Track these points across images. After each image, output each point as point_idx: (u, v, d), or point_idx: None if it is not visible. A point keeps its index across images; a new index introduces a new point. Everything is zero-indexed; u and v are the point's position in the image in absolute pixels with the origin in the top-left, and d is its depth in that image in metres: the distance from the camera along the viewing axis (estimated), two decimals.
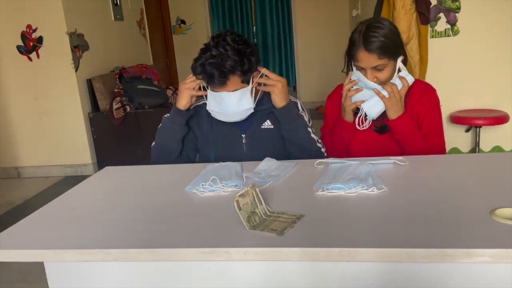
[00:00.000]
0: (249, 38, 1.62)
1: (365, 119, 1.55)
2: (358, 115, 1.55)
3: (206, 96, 1.51)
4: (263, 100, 1.60)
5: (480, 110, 3.29)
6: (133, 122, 4.09)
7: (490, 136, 3.36)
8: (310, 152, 1.53)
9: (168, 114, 1.61)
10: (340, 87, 1.67)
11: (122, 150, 4.20)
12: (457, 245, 0.81)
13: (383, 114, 1.55)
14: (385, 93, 1.48)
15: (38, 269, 2.43)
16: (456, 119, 3.19)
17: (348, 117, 1.57)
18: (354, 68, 1.53)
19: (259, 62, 1.50)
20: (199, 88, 1.52)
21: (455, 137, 3.39)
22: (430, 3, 3.14)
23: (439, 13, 3.19)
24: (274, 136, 1.59)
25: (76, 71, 4.07)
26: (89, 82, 4.22)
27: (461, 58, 3.27)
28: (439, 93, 1.60)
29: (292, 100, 1.65)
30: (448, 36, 3.22)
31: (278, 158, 1.43)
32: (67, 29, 3.97)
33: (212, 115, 1.53)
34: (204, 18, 7.08)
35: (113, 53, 4.79)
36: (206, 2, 7.06)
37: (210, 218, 1.03)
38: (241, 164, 1.40)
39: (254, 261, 0.93)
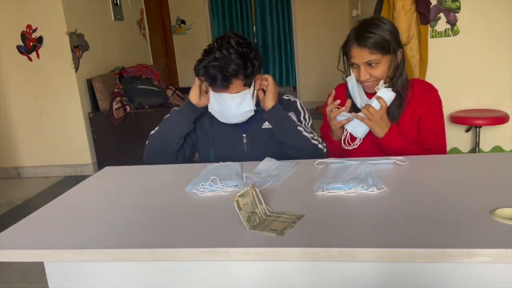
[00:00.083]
0: (249, 38, 1.62)
1: (354, 138, 1.54)
2: (343, 136, 1.54)
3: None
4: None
5: (480, 110, 3.29)
6: (133, 122, 4.09)
7: (490, 136, 3.36)
8: (305, 152, 1.52)
9: (178, 108, 1.60)
10: (340, 86, 1.67)
11: (122, 150, 4.20)
12: (457, 245, 0.81)
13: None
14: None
15: (38, 269, 2.43)
16: (456, 119, 3.19)
17: (336, 135, 1.57)
18: (350, 76, 1.52)
19: (262, 66, 1.50)
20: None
21: (455, 137, 3.39)
22: (430, 3, 3.14)
23: (439, 13, 3.19)
24: (273, 135, 1.59)
25: (76, 71, 4.07)
26: (89, 82, 4.22)
27: (461, 58, 3.27)
28: (439, 93, 1.60)
29: (291, 99, 1.66)
30: (448, 36, 3.22)
31: (278, 158, 1.43)
32: (67, 29, 3.97)
33: (213, 114, 1.53)
34: (204, 18, 7.08)
35: (113, 53, 4.79)
36: (206, 2, 7.06)
37: (210, 218, 1.03)
38: (241, 164, 1.40)
39: (254, 261, 0.93)
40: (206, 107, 1.55)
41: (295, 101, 1.65)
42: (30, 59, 4.06)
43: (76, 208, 1.16)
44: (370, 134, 1.53)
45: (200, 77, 1.48)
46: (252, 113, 1.51)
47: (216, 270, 0.97)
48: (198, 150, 1.69)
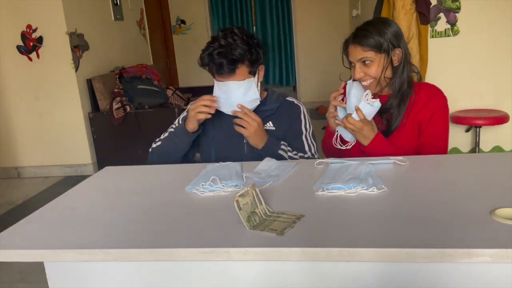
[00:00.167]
0: None
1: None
2: (334, 136, 1.54)
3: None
4: (265, 101, 1.60)
5: (480, 110, 3.29)
6: (133, 122, 4.09)
7: (490, 136, 3.36)
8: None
9: (174, 127, 1.61)
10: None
11: (122, 150, 4.20)
12: (457, 245, 0.81)
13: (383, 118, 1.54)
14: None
15: (38, 269, 2.42)
16: (456, 119, 3.19)
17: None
18: (349, 80, 1.52)
19: (265, 56, 1.51)
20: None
21: (455, 137, 3.39)
22: (430, 3, 3.14)
23: (439, 13, 3.19)
24: (275, 138, 1.59)
25: (76, 71, 4.07)
26: (89, 82, 4.22)
27: (461, 58, 3.27)
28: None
29: (295, 103, 1.65)
30: (448, 36, 3.22)
31: (278, 158, 1.43)
32: (67, 29, 3.97)
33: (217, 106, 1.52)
34: (204, 18, 7.08)
35: (113, 53, 4.79)
36: (206, 2, 7.06)
37: (210, 218, 1.03)
38: (241, 164, 1.40)
39: (254, 261, 0.93)
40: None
41: (299, 107, 1.65)
42: (30, 59, 4.06)
43: (76, 208, 1.16)
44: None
45: (205, 67, 1.47)
46: (258, 102, 1.52)
47: (216, 270, 0.97)
48: (199, 150, 1.70)
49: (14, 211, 3.48)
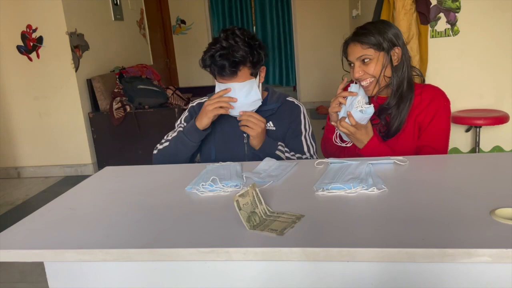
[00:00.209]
0: None
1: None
2: (334, 134, 1.54)
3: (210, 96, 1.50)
4: (266, 101, 1.60)
5: (480, 110, 3.29)
6: (133, 122, 4.09)
7: (490, 136, 3.36)
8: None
9: (182, 126, 1.60)
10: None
11: (122, 150, 4.20)
12: (457, 245, 0.81)
13: (381, 120, 1.54)
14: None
15: (38, 269, 2.43)
16: (456, 119, 3.19)
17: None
18: (353, 83, 1.51)
19: (267, 56, 1.52)
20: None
21: (455, 137, 3.39)
22: (430, 3, 3.14)
23: (439, 13, 3.19)
24: (276, 137, 1.59)
25: (76, 71, 4.08)
26: (89, 82, 4.22)
27: (461, 58, 3.27)
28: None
29: (295, 103, 1.65)
30: (448, 36, 3.22)
31: (278, 158, 1.43)
32: (67, 29, 3.97)
33: None
34: (204, 18, 7.08)
35: (113, 53, 4.79)
36: (206, 2, 7.06)
37: (210, 218, 1.03)
38: (241, 164, 1.40)
39: (254, 261, 0.93)
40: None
41: (299, 107, 1.65)
42: (30, 59, 4.06)
43: (76, 208, 1.16)
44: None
45: (206, 68, 1.47)
46: (260, 103, 1.52)
47: (216, 270, 0.97)
48: (199, 150, 1.70)
49: (14, 211, 3.48)
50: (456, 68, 3.28)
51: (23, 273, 2.46)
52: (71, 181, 4.01)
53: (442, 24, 3.21)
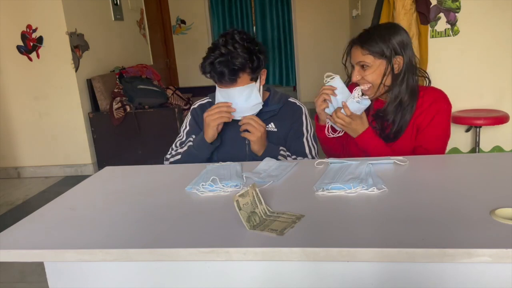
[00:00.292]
0: None
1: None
2: (326, 126, 1.55)
3: (212, 98, 1.50)
4: (267, 102, 1.60)
5: (480, 110, 3.29)
6: (133, 122, 4.09)
7: (490, 136, 3.36)
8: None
9: (192, 141, 1.59)
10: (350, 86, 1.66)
11: (122, 150, 4.20)
12: (457, 245, 0.81)
13: (379, 121, 1.54)
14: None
15: (38, 269, 2.43)
16: (456, 119, 3.19)
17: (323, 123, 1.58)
18: (336, 76, 1.51)
19: (267, 60, 1.51)
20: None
21: (455, 137, 3.39)
22: (430, 3, 3.14)
23: (439, 13, 3.19)
24: (277, 139, 1.59)
25: (76, 71, 4.07)
26: (89, 82, 4.22)
27: (461, 58, 3.27)
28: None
29: (297, 104, 1.65)
30: (448, 36, 3.22)
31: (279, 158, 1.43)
32: (67, 29, 3.97)
33: None
34: (204, 18, 7.08)
35: (113, 53, 4.79)
36: (206, 2, 7.06)
37: (210, 218, 1.03)
38: (241, 164, 1.40)
39: (254, 261, 0.93)
40: (207, 105, 1.55)
41: (301, 108, 1.65)
42: (30, 59, 4.06)
43: (76, 208, 1.16)
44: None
45: (206, 75, 1.47)
46: (260, 106, 1.52)
47: (216, 270, 0.97)
48: None
49: (14, 211, 3.48)
50: (456, 68, 3.28)
51: (23, 273, 2.46)
52: (71, 181, 4.01)
53: (442, 24, 3.21)
